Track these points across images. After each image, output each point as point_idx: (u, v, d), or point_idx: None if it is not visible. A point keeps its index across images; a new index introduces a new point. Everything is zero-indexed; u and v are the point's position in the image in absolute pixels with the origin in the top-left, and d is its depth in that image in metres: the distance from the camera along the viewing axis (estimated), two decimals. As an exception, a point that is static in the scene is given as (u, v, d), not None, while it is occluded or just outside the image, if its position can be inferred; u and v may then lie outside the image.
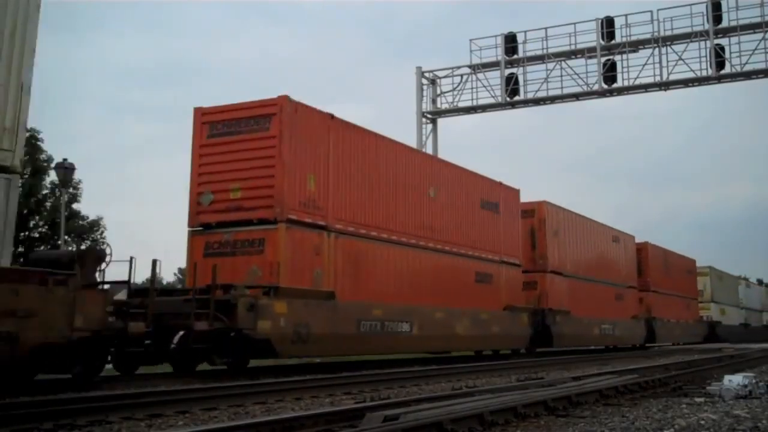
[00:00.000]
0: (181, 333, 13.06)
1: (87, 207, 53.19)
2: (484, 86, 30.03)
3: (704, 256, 52.15)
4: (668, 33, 27.70)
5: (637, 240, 33.59)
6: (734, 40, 27.14)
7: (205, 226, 14.70)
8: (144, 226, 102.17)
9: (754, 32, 26.84)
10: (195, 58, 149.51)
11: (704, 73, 27.25)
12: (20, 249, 26.17)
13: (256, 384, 10.70)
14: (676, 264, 38.63)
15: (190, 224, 14.78)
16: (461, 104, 30.65)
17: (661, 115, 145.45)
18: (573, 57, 28.99)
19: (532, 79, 29.43)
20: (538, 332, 22.86)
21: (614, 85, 28.53)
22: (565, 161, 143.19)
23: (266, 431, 6.56)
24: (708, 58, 27.06)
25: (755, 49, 26.72)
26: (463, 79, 30.43)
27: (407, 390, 11.48)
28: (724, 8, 27.14)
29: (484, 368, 15.96)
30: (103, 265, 10.92)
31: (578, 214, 27.04)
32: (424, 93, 31.05)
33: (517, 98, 29.57)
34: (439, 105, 31.12)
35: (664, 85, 28.12)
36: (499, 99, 29.66)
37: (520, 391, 9.47)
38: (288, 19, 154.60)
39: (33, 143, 26.67)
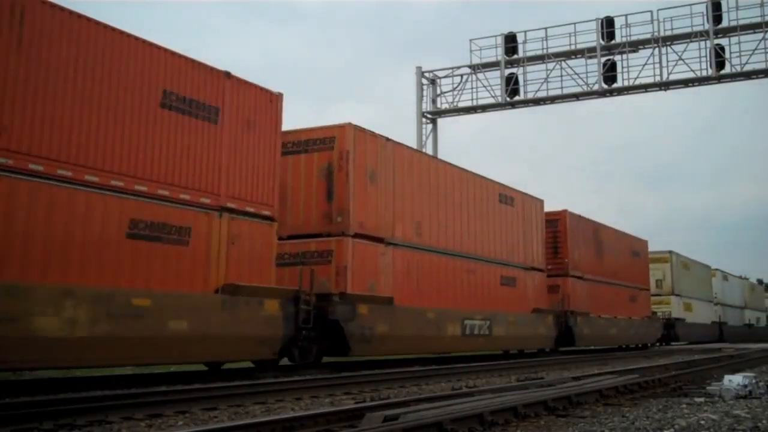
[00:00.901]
0: None
1: None
2: (484, 86, 30.09)
3: (704, 255, 51.76)
4: (668, 33, 27.72)
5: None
6: (734, 40, 27.15)
7: None
8: None
9: (754, 32, 26.84)
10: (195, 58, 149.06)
11: (704, 73, 27.26)
12: None
13: (256, 384, 10.71)
14: (614, 244, 29.06)
15: None
16: (461, 104, 30.68)
17: (663, 115, 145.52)
18: (573, 57, 29.01)
19: (532, 79, 29.48)
20: (317, 331, 13.80)
21: (614, 85, 28.54)
22: (565, 161, 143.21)
23: (266, 431, 6.57)
24: (708, 58, 27.08)
25: (755, 49, 26.74)
26: (463, 79, 30.46)
27: (407, 390, 11.49)
28: (724, 8, 27.16)
29: (483, 368, 15.99)
30: None
31: (424, 153, 17.36)
32: (424, 93, 31.08)
33: (517, 98, 29.59)
34: (439, 105, 31.13)
35: (664, 85, 28.14)
36: (499, 99, 29.69)
37: (520, 391, 9.47)
38: (287, 19, 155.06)
39: None
